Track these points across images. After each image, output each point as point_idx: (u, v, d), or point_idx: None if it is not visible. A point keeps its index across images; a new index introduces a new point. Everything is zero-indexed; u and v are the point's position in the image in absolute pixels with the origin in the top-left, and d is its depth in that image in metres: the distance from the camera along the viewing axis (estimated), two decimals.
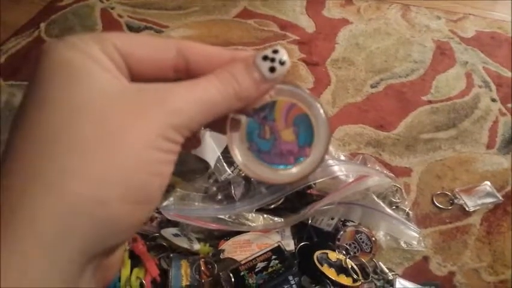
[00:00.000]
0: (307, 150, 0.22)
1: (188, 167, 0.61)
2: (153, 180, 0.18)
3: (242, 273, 0.55)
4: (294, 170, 0.22)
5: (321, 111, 0.22)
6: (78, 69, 0.17)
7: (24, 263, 0.15)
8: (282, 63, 0.20)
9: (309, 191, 0.64)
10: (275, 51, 0.20)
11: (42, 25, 1.05)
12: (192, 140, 0.22)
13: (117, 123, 0.17)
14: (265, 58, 0.20)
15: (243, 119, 0.22)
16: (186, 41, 0.21)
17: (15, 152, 0.17)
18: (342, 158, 0.73)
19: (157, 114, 0.18)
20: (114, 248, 0.19)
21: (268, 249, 0.57)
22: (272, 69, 0.20)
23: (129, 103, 0.18)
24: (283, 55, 0.20)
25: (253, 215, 0.60)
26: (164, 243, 0.59)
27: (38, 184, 0.16)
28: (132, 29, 1.05)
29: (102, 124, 0.17)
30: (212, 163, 0.61)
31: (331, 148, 0.72)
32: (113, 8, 1.12)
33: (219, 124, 0.22)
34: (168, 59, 0.20)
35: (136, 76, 0.20)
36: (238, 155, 0.22)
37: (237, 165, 0.22)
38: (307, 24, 1.09)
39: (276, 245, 0.58)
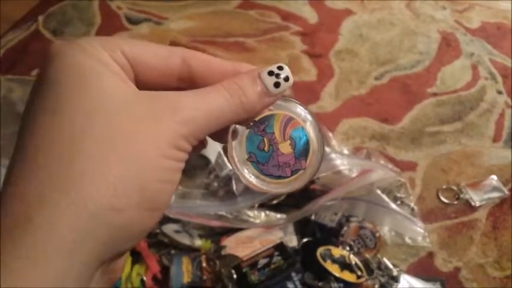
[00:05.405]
0: (303, 162, 0.23)
1: (189, 163, 0.60)
2: (165, 188, 0.18)
3: (244, 270, 0.54)
4: (291, 182, 0.23)
5: (315, 125, 0.23)
6: (90, 74, 0.18)
7: (42, 268, 0.15)
8: (286, 79, 0.21)
9: (312, 187, 0.63)
10: (280, 68, 0.21)
11: (40, 18, 1.04)
12: (198, 146, 0.22)
13: (130, 131, 0.17)
14: (270, 73, 0.21)
15: (244, 130, 0.23)
16: (190, 50, 0.21)
17: (28, 157, 0.16)
18: (345, 152, 0.72)
19: (169, 123, 0.18)
20: (124, 253, 0.19)
21: (270, 245, 0.56)
22: (277, 85, 0.21)
23: (141, 110, 0.18)
24: (287, 72, 0.21)
25: (255, 211, 0.60)
26: (165, 240, 0.58)
27: (56, 191, 0.16)
28: (131, 21, 1.04)
29: (115, 131, 0.17)
30: (213, 159, 0.60)
31: (334, 142, 0.71)
32: (111, 0, 1.10)
33: (219, 134, 0.22)
34: (174, 67, 0.21)
35: (141, 83, 0.20)
36: (237, 165, 0.23)
37: (236, 174, 0.23)
38: (310, 14, 1.07)
39: (278, 241, 0.57)
